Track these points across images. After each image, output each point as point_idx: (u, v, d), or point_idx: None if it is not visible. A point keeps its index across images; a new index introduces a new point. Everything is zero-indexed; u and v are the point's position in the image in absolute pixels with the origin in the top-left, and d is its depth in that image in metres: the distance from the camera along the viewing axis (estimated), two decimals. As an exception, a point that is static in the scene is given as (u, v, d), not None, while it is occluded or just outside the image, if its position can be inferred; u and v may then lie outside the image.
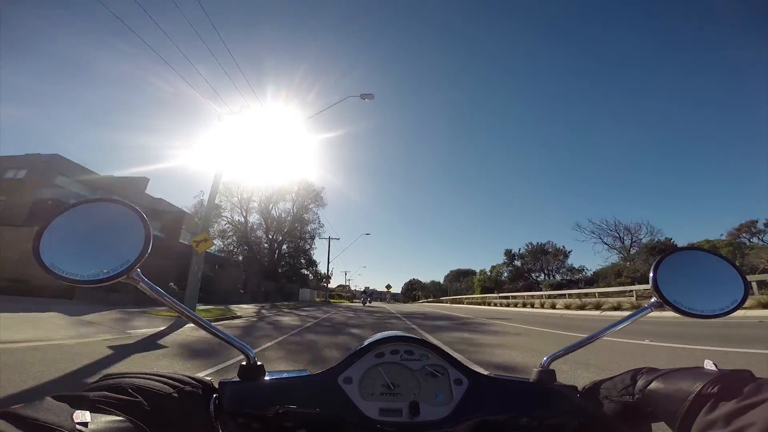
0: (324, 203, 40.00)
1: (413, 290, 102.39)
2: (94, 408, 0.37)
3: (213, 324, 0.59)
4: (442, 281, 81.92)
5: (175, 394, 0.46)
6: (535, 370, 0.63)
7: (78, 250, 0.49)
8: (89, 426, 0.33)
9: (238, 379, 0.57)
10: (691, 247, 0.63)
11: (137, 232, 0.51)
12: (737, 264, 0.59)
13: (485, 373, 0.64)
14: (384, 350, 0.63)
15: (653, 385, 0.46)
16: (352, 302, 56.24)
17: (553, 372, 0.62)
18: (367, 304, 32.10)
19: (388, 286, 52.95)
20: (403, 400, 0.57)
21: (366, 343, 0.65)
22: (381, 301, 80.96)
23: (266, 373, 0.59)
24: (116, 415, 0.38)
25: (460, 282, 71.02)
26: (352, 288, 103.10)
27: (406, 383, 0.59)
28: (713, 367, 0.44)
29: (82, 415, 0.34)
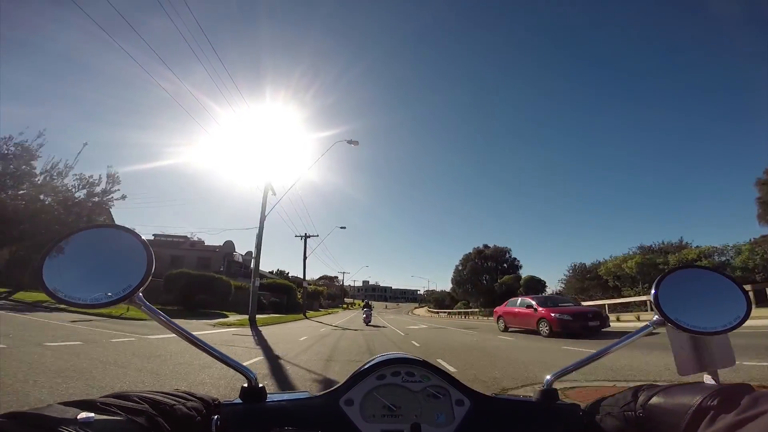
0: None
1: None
2: (100, 412, 0.39)
3: (213, 347, 0.60)
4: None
5: (180, 407, 0.47)
6: (537, 389, 0.63)
7: (81, 274, 0.50)
8: (93, 425, 0.35)
9: (240, 401, 0.58)
10: (693, 265, 0.63)
11: (139, 257, 0.52)
12: (738, 281, 0.59)
13: (488, 393, 0.64)
14: (385, 372, 0.63)
15: (654, 400, 0.47)
16: (337, 310, 35.27)
17: (555, 391, 0.62)
18: (370, 323, 17.57)
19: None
20: (404, 421, 0.58)
21: (367, 365, 0.66)
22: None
23: (268, 395, 0.60)
24: (120, 416, 0.39)
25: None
26: (341, 281, 66.02)
27: (407, 405, 0.60)
28: (713, 381, 0.45)
29: (86, 416, 0.36)
